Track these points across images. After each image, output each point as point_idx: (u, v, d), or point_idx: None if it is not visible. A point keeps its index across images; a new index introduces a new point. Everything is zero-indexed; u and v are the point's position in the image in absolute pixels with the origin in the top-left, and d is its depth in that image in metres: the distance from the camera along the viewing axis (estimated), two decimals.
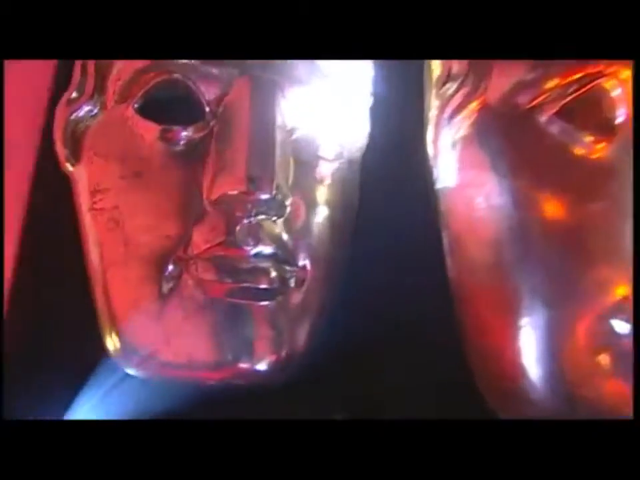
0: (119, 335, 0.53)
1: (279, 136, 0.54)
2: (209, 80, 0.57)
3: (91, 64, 0.66)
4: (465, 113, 0.71)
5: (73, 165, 0.58)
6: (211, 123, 0.56)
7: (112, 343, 0.53)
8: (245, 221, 0.50)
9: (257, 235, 0.50)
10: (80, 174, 0.58)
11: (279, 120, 0.56)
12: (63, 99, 0.62)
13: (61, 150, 0.59)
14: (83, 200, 0.57)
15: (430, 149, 0.72)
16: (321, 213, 0.60)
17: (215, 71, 0.57)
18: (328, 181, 0.64)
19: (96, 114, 0.60)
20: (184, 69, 0.57)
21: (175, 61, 0.61)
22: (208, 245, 0.49)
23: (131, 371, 0.54)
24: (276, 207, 0.51)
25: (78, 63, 0.68)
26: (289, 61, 0.63)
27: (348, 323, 0.71)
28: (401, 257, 0.75)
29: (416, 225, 0.75)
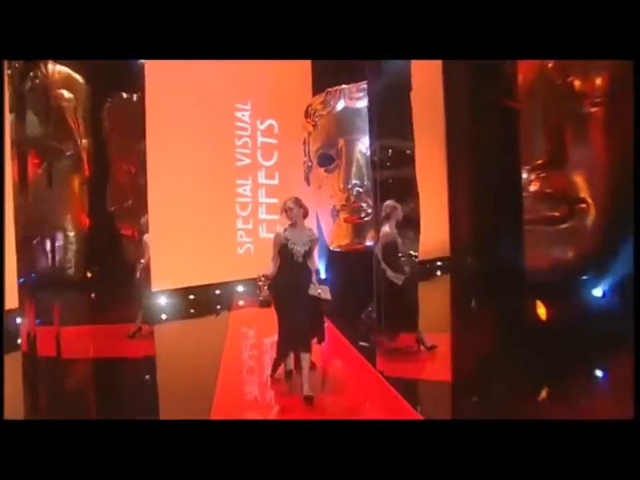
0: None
1: (358, 159, 5.08)
2: (330, 149, 5.37)
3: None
4: None
5: None
6: (337, 162, 5.24)
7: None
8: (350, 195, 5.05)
9: (353, 200, 5.06)
10: None
11: (359, 154, 5.14)
12: None
13: None
14: None
15: None
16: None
17: (331, 146, 5.37)
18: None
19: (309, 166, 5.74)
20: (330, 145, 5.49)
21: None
22: (341, 205, 5.26)
23: None
24: (357, 188, 5.05)
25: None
26: (359, 128, 5.12)
27: None
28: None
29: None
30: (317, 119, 5.41)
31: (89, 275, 5.02)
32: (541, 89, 3.46)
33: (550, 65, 3.42)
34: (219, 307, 6.54)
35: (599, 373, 3.08)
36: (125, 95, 5.11)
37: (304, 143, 5.73)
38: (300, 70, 7.49)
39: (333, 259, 5.62)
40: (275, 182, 7.84)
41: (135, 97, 4.99)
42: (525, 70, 3.48)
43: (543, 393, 2.88)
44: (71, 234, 4.95)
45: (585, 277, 3.49)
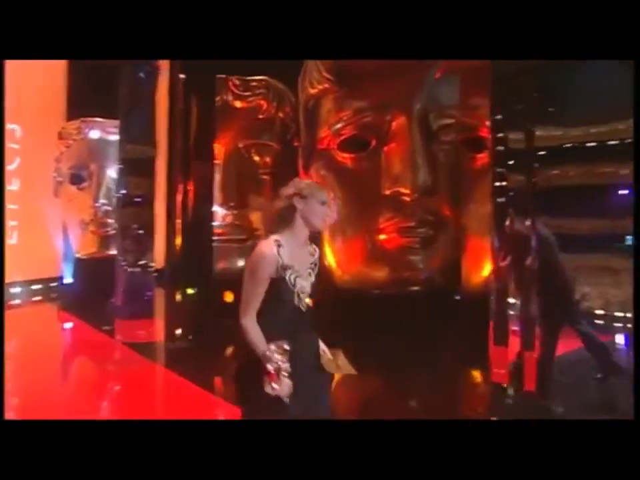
0: None
1: (107, 182, 6.17)
2: (81, 171, 6.21)
3: None
4: None
5: None
6: (89, 182, 6.44)
7: None
8: None
9: (101, 216, 6.09)
10: None
11: (108, 178, 6.23)
12: None
13: None
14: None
15: None
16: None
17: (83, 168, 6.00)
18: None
19: None
20: None
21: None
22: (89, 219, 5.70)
23: None
24: (105, 207, 6.30)
25: None
26: None
27: None
28: None
29: None
30: (70, 142, 6.30)
31: None
32: (236, 160, 5.69)
33: (241, 145, 5.63)
34: None
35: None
36: None
37: (56, 160, 6.49)
38: (53, 86, 7.94)
39: (79, 265, 6.57)
40: (15, 188, 7.90)
41: None
42: (225, 144, 5.59)
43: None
44: None
45: None
